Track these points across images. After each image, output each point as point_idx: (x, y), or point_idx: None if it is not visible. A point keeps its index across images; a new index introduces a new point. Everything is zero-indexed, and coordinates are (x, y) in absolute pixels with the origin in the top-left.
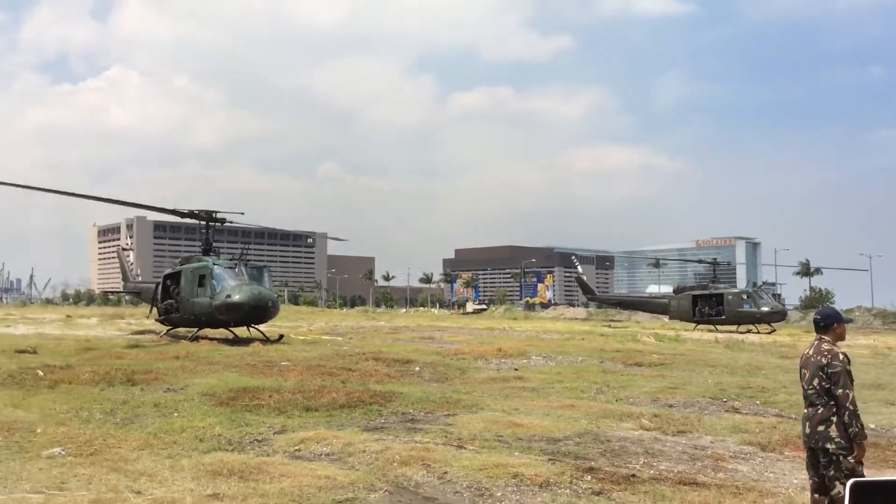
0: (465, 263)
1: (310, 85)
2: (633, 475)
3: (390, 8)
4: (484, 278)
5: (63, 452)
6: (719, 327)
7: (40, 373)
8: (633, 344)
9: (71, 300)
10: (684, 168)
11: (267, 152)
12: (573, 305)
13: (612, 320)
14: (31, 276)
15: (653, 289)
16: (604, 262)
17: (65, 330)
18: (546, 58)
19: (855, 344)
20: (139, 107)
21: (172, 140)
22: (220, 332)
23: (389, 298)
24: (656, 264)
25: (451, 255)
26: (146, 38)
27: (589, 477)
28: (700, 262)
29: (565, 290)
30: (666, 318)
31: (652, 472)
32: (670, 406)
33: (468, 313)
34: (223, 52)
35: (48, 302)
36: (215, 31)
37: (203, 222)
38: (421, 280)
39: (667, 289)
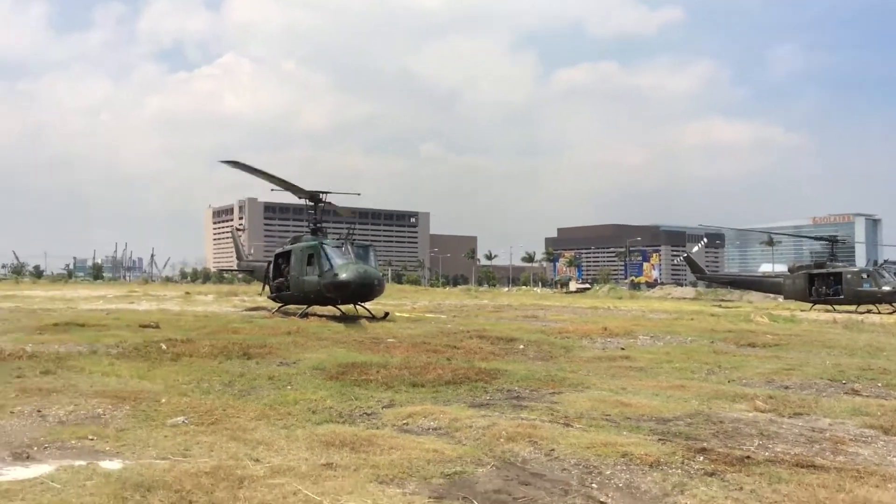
0: (568, 242)
1: (413, 66)
2: (748, 457)
3: None
4: (587, 257)
5: (186, 421)
6: (837, 307)
7: (163, 346)
8: (746, 324)
9: (189, 278)
10: (800, 142)
11: (371, 134)
12: (680, 285)
13: (723, 300)
14: (152, 256)
15: (766, 268)
16: (714, 240)
17: (184, 306)
18: (654, 31)
19: None
20: (250, 92)
21: (282, 124)
22: (328, 310)
23: (492, 277)
24: (770, 242)
25: (554, 234)
26: (257, 26)
27: (701, 458)
28: (818, 239)
29: (672, 270)
30: (780, 298)
31: (767, 453)
32: (786, 388)
33: (571, 292)
34: (329, 36)
35: (168, 280)
36: (322, 16)
37: (311, 202)
38: (523, 259)
39: (780, 268)
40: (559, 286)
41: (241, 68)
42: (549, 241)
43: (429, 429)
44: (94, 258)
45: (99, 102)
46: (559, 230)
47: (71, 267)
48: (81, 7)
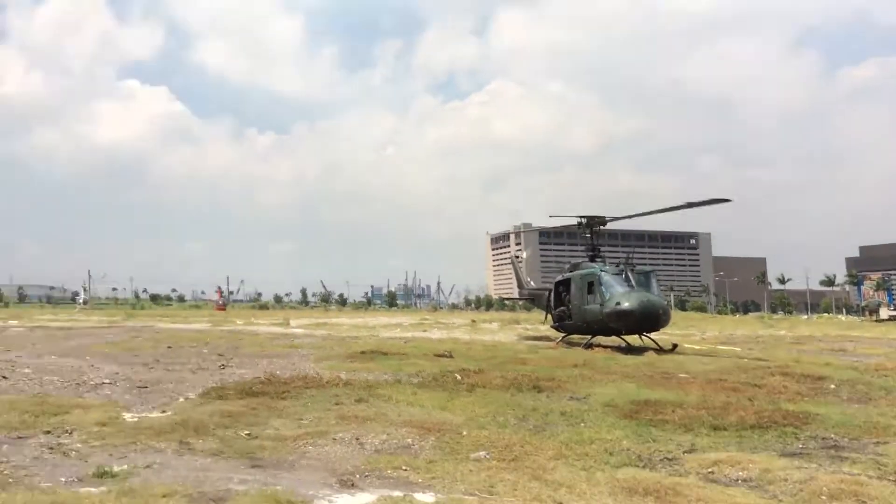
0: (874, 262)
1: (682, 76)
2: None
3: None
4: None
5: (488, 456)
6: None
7: (458, 376)
8: None
9: (473, 305)
10: None
11: (641, 151)
12: None
13: None
14: (438, 283)
15: None
16: None
17: (472, 335)
18: None
19: None
20: (518, 116)
21: (550, 146)
22: (613, 340)
23: (787, 303)
24: None
25: (856, 253)
26: (521, 49)
27: None
28: None
29: None
30: None
31: None
32: None
33: (883, 320)
34: (593, 53)
35: (454, 307)
36: (584, 33)
37: (588, 228)
38: (822, 282)
39: None
40: (867, 313)
41: (508, 93)
42: (850, 262)
43: (737, 479)
44: (388, 286)
45: (385, 136)
46: (861, 248)
47: (369, 295)
48: (364, 46)
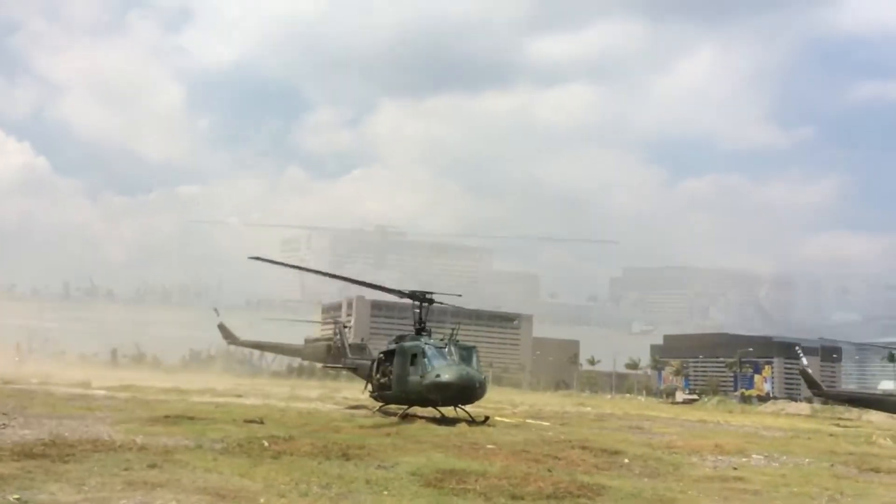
0: (675, 350)
1: (543, 176)
2: None
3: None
4: (695, 366)
5: None
6: None
7: (265, 443)
8: (868, 447)
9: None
10: None
11: (495, 237)
12: (794, 400)
13: (841, 418)
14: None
15: (886, 385)
16: (830, 353)
17: (289, 402)
18: (785, 146)
19: None
20: (385, 198)
21: (411, 226)
22: (428, 411)
23: (594, 383)
24: (892, 358)
25: (660, 342)
26: (397, 139)
27: None
28: None
29: (785, 383)
30: None
31: None
32: None
33: (678, 403)
34: (463, 148)
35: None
36: (456, 131)
37: (417, 302)
38: (627, 365)
39: None
40: (665, 396)
41: (378, 176)
42: (654, 349)
43: None
44: (209, 351)
45: (249, 205)
46: (665, 337)
47: (187, 359)
48: (243, 121)
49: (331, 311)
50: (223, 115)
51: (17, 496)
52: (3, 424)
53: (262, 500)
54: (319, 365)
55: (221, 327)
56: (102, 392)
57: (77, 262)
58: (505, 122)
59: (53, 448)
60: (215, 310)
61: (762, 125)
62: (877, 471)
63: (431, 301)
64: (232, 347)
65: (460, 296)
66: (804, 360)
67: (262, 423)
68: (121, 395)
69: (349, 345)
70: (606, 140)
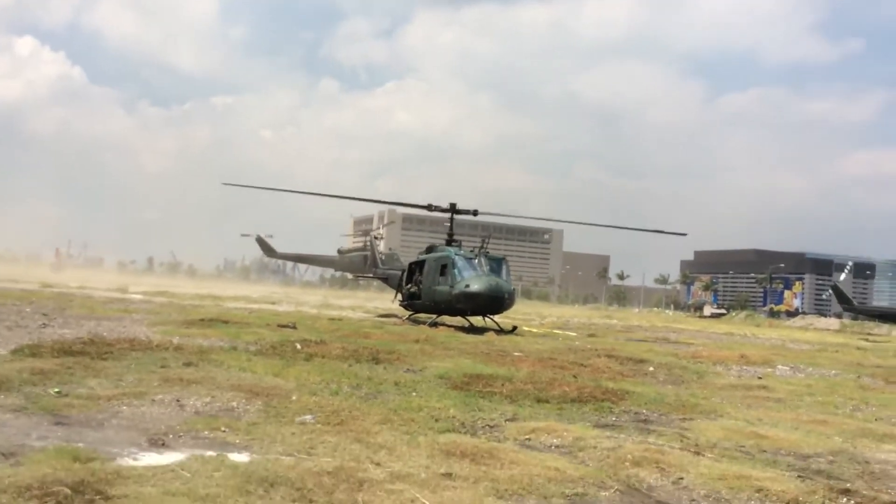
0: (705, 266)
1: (577, 90)
2: None
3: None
4: (724, 282)
5: (313, 420)
6: None
7: (298, 346)
8: None
9: (327, 283)
10: None
11: (529, 152)
12: (824, 316)
13: (870, 334)
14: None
15: None
16: (864, 270)
17: (321, 310)
18: (832, 60)
19: None
20: (418, 110)
21: (444, 140)
22: (458, 320)
23: (623, 297)
24: None
25: (690, 257)
26: (430, 50)
27: (844, 499)
28: None
29: (815, 299)
30: None
31: None
32: None
33: (705, 317)
34: (498, 60)
35: (307, 284)
36: (493, 42)
37: (448, 214)
38: (657, 280)
39: None
40: (693, 310)
41: (411, 89)
42: (684, 264)
43: (551, 446)
44: (243, 260)
45: (283, 117)
46: (696, 253)
47: (221, 267)
48: (275, 32)
49: (363, 223)
50: (256, 25)
51: (56, 390)
52: (44, 324)
53: (293, 398)
54: (350, 276)
55: (260, 241)
56: (139, 296)
57: (114, 171)
58: (542, 34)
59: (92, 346)
60: (257, 236)
61: (809, 37)
62: None
63: (466, 212)
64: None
65: (476, 211)
66: (843, 274)
67: (294, 327)
68: (157, 299)
69: (380, 255)
70: (647, 54)
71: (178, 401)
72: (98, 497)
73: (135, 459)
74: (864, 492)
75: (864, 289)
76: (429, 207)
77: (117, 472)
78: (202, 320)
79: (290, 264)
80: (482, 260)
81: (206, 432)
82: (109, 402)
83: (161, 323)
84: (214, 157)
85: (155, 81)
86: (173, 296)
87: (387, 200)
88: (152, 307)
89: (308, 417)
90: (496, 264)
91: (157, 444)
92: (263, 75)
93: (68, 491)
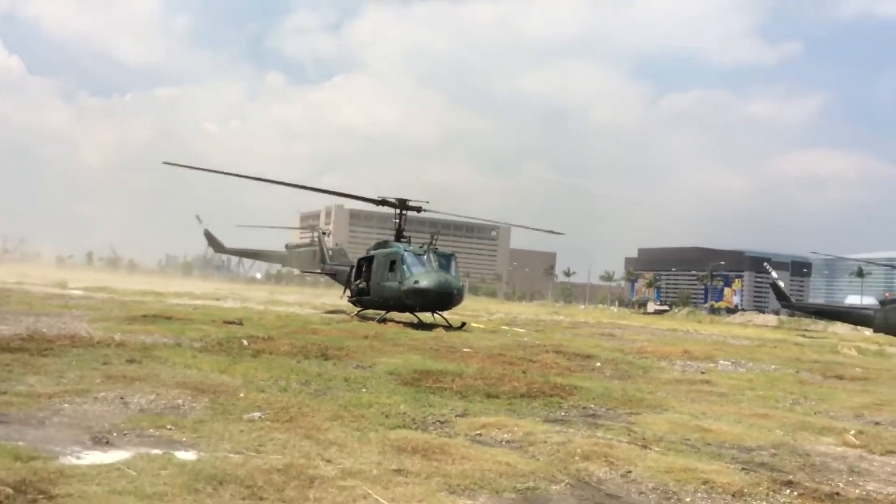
0: (649, 263)
1: (526, 87)
2: (837, 493)
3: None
4: (667, 279)
5: (262, 417)
6: None
7: (244, 342)
8: (833, 355)
9: (273, 279)
10: None
11: (478, 149)
12: (762, 312)
13: (807, 330)
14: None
15: (853, 299)
16: (800, 268)
17: (267, 306)
18: (771, 62)
19: None
20: (366, 106)
21: (393, 136)
22: (406, 317)
23: (569, 294)
24: (860, 273)
25: (634, 255)
26: (379, 45)
27: (787, 491)
28: None
29: (754, 296)
30: (868, 331)
31: (858, 491)
32: (877, 423)
33: (649, 313)
34: (447, 56)
35: (253, 280)
36: (441, 38)
37: (396, 210)
38: (602, 278)
39: (868, 300)
40: (637, 307)
41: (359, 84)
42: (629, 261)
43: (502, 441)
44: (185, 256)
45: (228, 111)
46: (640, 250)
47: (163, 263)
48: (221, 24)
49: (309, 219)
50: (201, 16)
51: None
52: None
53: (241, 395)
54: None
55: (208, 235)
56: (79, 292)
57: (52, 163)
58: (491, 31)
59: (31, 343)
60: (197, 217)
61: (749, 39)
62: (840, 378)
63: (415, 209)
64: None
65: (427, 202)
66: (774, 274)
67: (241, 324)
68: (97, 295)
69: (328, 250)
70: (594, 53)
71: (121, 398)
72: (41, 496)
73: (78, 458)
74: (807, 483)
75: (801, 286)
76: (382, 202)
77: (60, 471)
78: (145, 316)
79: (234, 260)
80: (431, 256)
81: (152, 430)
82: (50, 400)
83: (102, 319)
84: (157, 149)
85: (95, 72)
86: (114, 291)
87: (342, 192)
88: (93, 303)
89: (256, 414)
90: (445, 260)
91: (101, 442)
92: (208, 67)
93: (10, 490)
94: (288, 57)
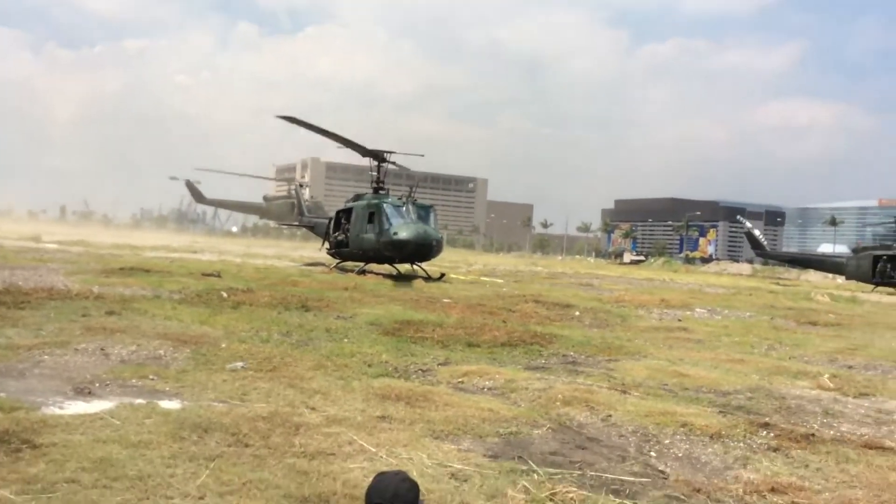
0: (625, 214)
1: (502, 38)
2: (812, 434)
3: None
4: (643, 230)
5: (245, 366)
6: None
7: (224, 294)
8: (806, 302)
9: (250, 233)
10: (880, 124)
11: (454, 101)
12: (736, 261)
13: (781, 278)
14: (216, 209)
15: (825, 248)
16: (774, 217)
17: (245, 259)
18: (749, 11)
19: None
20: (340, 58)
21: (369, 87)
22: (385, 268)
23: (546, 245)
24: (832, 222)
25: (611, 206)
26: None
27: (764, 432)
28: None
29: (729, 246)
30: (840, 279)
31: (832, 432)
32: (850, 367)
33: (625, 264)
34: (421, 7)
35: (229, 233)
36: None
37: (376, 162)
38: (579, 229)
39: (841, 248)
40: (613, 257)
41: (333, 35)
42: (605, 213)
43: (484, 388)
44: (160, 209)
45: (199, 62)
46: (616, 202)
47: (138, 217)
48: None
49: (285, 171)
50: None
51: None
52: None
53: (223, 345)
54: (273, 224)
55: (189, 185)
56: (53, 246)
57: (22, 116)
58: None
59: (7, 296)
60: (187, 182)
61: None
62: (814, 324)
63: (391, 162)
64: (185, 206)
65: (422, 156)
66: (748, 224)
67: (219, 276)
68: (73, 248)
69: (305, 203)
70: (571, 1)
71: (102, 349)
72: (25, 446)
73: (61, 408)
74: (782, 425)
75: (775, 235)
76: (373, 154)
77: (44, 421)
78: (122, 269)
79: (210, 214)
80: (410, 208)
81: (134, 380)
82: (30, 352)
83: (79, 272)
84: (127, 101)
85: (64, 22)
86: (89, 245)
87: (340, 136)
88: (68, 256)
89: (239, 364)
90: (424, 212)
91: (84, 392)
92: (178, 18)
93: None
94: (260, 6)
